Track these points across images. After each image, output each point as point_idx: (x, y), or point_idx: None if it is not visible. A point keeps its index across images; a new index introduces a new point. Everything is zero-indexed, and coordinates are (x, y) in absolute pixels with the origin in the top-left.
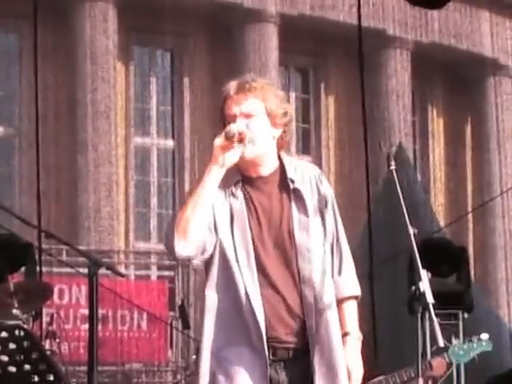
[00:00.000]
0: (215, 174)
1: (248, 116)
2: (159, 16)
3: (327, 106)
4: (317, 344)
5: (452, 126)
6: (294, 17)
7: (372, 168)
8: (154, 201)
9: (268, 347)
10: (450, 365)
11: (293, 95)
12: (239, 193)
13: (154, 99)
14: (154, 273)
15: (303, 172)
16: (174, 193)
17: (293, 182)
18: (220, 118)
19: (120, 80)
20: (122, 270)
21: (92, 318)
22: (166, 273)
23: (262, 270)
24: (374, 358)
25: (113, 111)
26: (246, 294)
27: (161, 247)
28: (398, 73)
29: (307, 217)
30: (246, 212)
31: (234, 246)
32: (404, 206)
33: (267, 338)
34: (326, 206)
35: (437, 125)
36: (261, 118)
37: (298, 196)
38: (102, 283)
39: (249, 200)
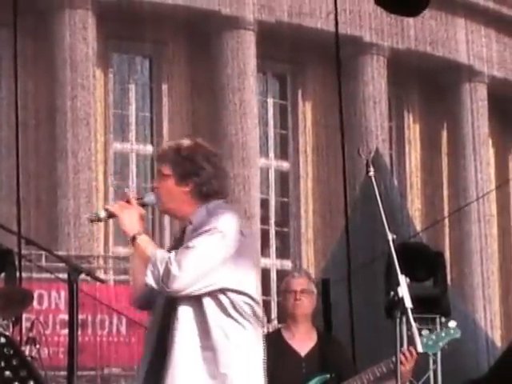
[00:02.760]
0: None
1: (161, 175)
2: (138, 24)
3: (305, 112)
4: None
5: (428, 131)
6: (271, 24)
7: (349, 174)
8: None
9: None
10: (419, 356)
11: (271, 101)
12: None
13: (133, 106)
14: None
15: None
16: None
17: (190, 223)
18: None
19: (99, 87)
20: (102, 275)
21: (72, 324)
22: None
23: None
24: (352, 361)
25: (92, 118)
26: None
27: None
28: (375, 79)
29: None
30: None
31: None
32: (382, 212)
33: None
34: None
35: (413, 131)
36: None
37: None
38: (81, 288)
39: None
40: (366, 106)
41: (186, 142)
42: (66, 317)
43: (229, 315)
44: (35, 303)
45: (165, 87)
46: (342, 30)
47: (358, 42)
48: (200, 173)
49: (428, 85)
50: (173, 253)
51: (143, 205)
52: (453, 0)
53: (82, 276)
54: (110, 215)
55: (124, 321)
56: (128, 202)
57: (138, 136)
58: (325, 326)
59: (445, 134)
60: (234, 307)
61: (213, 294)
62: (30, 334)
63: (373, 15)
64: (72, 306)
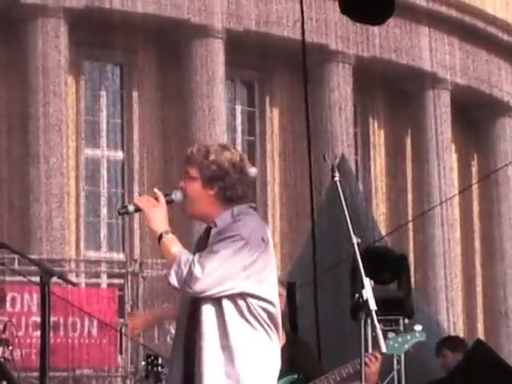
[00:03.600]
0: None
1: (188, 177)
2: (109, 32)
3: (272, 119)
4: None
5: (393, 137)
6: (239, 32)
7: (315, 178)
8: (104, 211)
9: None
10: (384, 358)
11: (239, 108)
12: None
13: (104, 112)
14: (104, 281)
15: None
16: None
17: (215, 226)
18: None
19: (71, 94)
20: (73, 278)
21: (44, 326)
22: (116, 281)
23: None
24: (318, 362)
25: (64, 124)
26: None
27: (110, 256)
28: (341, 86)
29: None
30: None
31: None
32: (347, 217)
33: None
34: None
35: (378, 136)
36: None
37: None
38: (53, 291)
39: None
40: (331, 112)
41: (214, 146)
42: (38, 319)
43: (244, 318)
44: (8, 306)
45: (135, 94)
46: (309, 38)
47: (324, 49)
48: (225, 178)
49: (392, 92)
50: (197, 255)
51: (170, 202)
52: (416, 9)
53: (54, 279)
54: (138, 210)
55: (95, 323)
56: (156, 199)
57: (109, 142)
58: (291, 328)
59: (409, 139)
60: (250, 311)
61: (232, 297)
62: (3, 336)
63: (338, 24)
64: (44, 309)
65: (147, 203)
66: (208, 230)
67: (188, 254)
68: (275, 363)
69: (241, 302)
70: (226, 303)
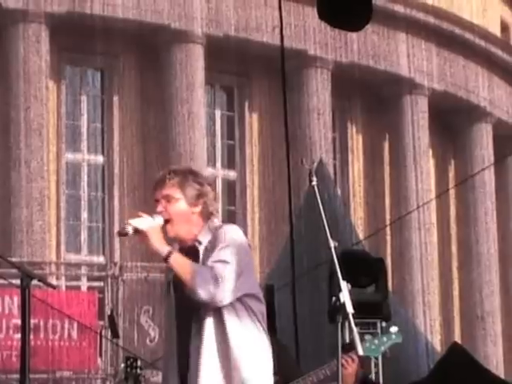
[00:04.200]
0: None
1: (168, 200)
2: (90, 37)
3: (251, 124)
4: None
5: (370, 142)
6: (219, 38)
7: (294, 183)
8: (84, 214)
9: None
10: (362, 360)
11: (218, 113)
12: None
13: (84, 117)
14: (84, 284)
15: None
16: (103, 207)
17: (200, 243)
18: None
19: (52, 98)
20: (54, 281)
21: (24, 328)
22: (96, 284)
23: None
24: (296, 365)
25: (45, 128)
26: None
27: (91, 259)
28: (319, 91)
29: None
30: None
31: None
32: (325, 220)
33: None
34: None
35: (356, 141)
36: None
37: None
38: (34, 294)
39: None
40: (310, 117)
41: (185, 167)
42: (18, 321)
43: (241, 318)
44: None
45: (116, 99)
46: (288, 43)
47: (303, 55)
48: (208, 194)
49: (370, 97)
50: (213, 267)
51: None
52: (394, 15)
53: (34, 282)
54: (137, 231)
55: (75, 326)
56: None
57: (90, 146)
58: (269, 330)
59: (387, 144)
60: (247, 311)
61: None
62: None
63: (317, 29)
64: (24, 311)
65: (145, 225)
66: (186, 250)
67: (203, 267)
68: (271, 361)
69: (238, 304)
70: (225, 308)
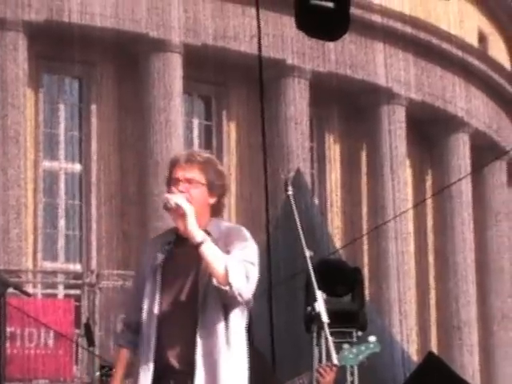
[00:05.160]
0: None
1: (190, 182)
2: (68, 45)
3: (229, 133)
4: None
5: (348, 151)
6: (197, 47)
7: (271, 191)
8: (61, 222)
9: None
10: (339, 369)
11: (196, 122)
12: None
13: (62, 125)
14: (60, 292)
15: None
16: (80, 215)
17: (209, 235)
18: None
19: (29, 106)
20: (30, 289)
21: (0, 336)
22: (73, 292)
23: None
24: (273, 373)
25: (22, 136)
26: None
27: (67, 267)
28: (297, 101)
29: None
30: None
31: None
32: (300, 230)
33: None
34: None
35: (333, 151)
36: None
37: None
38: (10, 302)
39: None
40: (287, 126)
41: (208, 154)
42: None
43: (242, 320)
44: None
45: (93, 107)
46: (265, 53)
47: (281, 64)
48: (224, 188)
49: (348, 106)
50: (244, 265)
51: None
52: (372, 25)
53: (10, 290)
54: (177, 208)
55: (51, 334)
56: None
57: (67, 154)
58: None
59: (364, 154)
60: (243, 315)
61: None
62: None
63: (295, 39)
64: (0, 319)
65: (185, 202)
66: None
67: (238, 263)
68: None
69: (241, 306)
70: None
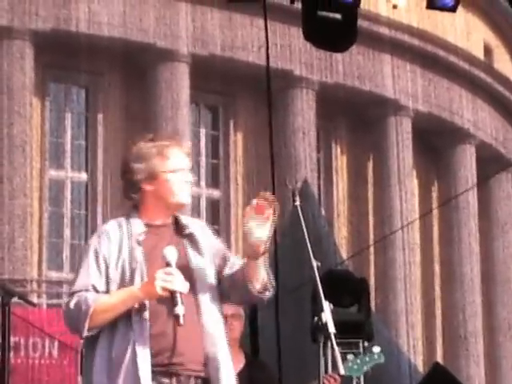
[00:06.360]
0: (136, 302)
1: None
2: (75, 54)
3: (236, 142)
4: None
5: (355, 162)
6: (205, 57)
7: (279, 201)
8: (67, 232)
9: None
10: (345, 380)
11: (203, 132)
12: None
13: (68, 134)
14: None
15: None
16: (86, 224)
17: (186, 227)
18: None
19: (36, 115)
20: (35, 298)
21: (4, 346)
22: None
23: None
24: None
25: (28, 145)
26: None
27: (73, 277)
28: (304, 111)
29: (201, 254)
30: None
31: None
32: (308, 240)
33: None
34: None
35: (340, 161)
36: None
37: (191, 239)
38: (14, 312)
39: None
40: (295, 137)
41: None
42: None
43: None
44: None
45: (100, 116)
46: (273, 63)
47: (289, 75)
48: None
49: (355, 118)
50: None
51: None
52: (380, 37)
53: (15, 299)
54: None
55: (56, 344)
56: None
57: (73, 164)
58: (252, 349)
59: (371, 164)
60: None
61: None
62: None
63: (303, 50)
64: (4, 329)
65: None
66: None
67: None
68: None
69: None
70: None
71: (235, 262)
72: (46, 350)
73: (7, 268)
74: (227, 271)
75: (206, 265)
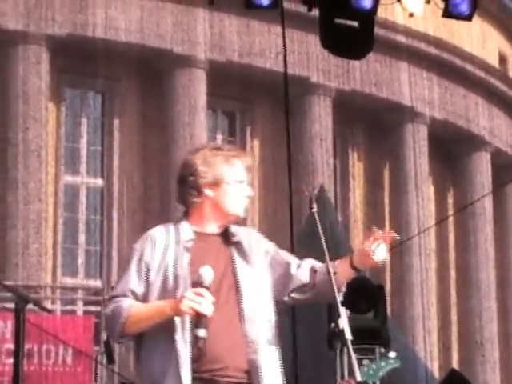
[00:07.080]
0: (164, 317)
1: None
2: (91, 59)
3: (253, 149)
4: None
5: (372, 169)
6: (222, 63)
7: (296, 208)
8: (82, 238)
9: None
10: None
11: (220, 137)
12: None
13: (84, 139)
14: (80, 308)
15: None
16: (101, 230)
17: (234, 235)
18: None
19: (51, 120)
20: (49, 305)
21: (17, 353)
22: (93, 308)
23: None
24: None
25: (44, 150)
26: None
27: (87, 283)
28: (321, 118)
29: (249, 263)
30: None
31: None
32: (325, 247)
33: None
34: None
35: (357, 168)
36: None
37: (239, 247)
38: (28, 318)
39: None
40: (312, 143)
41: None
42: (12, 346)
43: None
44: None
45: (116, 122)
46: (291, 70)
47: (306, 82)
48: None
49: (372, 124)
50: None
51: None
52: (397, 45)
53: (29, 306)
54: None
55: (70, 351)
56: None
57: (89, 169)
58: None
59: (387, 171)
60: None
61: None
62: None
63: (320, 57)
64: (18, 336)
65: None
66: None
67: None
68: None
69: None
70: None
71: (301, 264)
72: (60, 357)
73: (21, 274)
74: (299, 272)
75: (253, 273)
